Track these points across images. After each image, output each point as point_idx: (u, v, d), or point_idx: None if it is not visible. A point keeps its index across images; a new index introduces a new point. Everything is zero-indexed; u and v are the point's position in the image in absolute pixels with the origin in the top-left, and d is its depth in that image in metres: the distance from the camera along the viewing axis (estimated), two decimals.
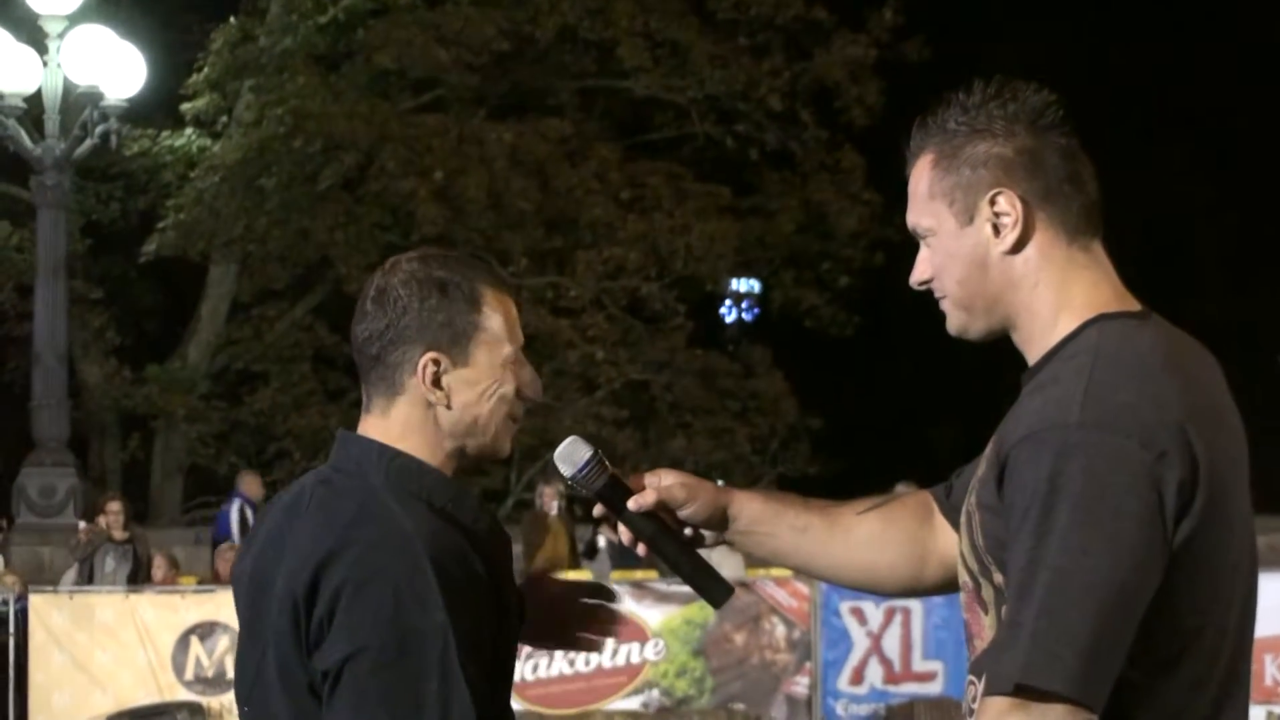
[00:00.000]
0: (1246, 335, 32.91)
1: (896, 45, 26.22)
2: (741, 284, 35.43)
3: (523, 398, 2.97)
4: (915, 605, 14.29)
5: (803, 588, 14.47)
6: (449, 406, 2.90)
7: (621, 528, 3.10)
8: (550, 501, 17.54)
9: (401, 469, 2.87)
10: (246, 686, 2.91)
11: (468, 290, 2.91)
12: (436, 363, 2.88)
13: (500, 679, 2.87)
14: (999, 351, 2.88)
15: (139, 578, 15.97)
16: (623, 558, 16.10)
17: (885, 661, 14.49)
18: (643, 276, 25.91)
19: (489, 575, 2.83)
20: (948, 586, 3.07)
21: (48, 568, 17.81)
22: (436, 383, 2.89)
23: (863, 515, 3.16)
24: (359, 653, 2.71)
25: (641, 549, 3.11)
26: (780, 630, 14.63)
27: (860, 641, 14.53)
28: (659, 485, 3.08)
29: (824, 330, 27.29)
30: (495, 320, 2.93)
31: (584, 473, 3.04)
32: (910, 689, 14.41)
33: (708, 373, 26.50)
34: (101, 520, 16.31)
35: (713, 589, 3.10)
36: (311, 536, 2.81)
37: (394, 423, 2.92)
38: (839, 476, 24.53)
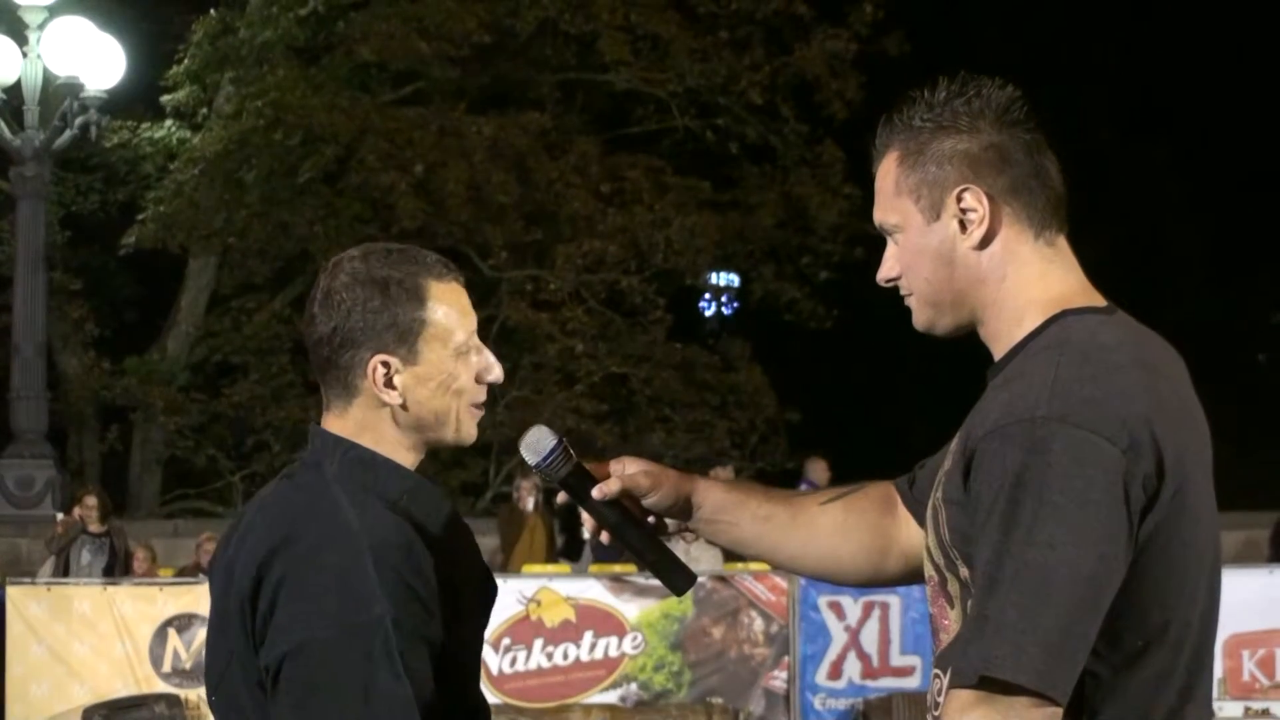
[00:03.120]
0: (1228, 334, 33.00)
1: (876, 39, 26.19)
2: (721, 278, 35.44)
3: (482, 383, 2.97)
4: (894, 600, 14.31)
5: (781, 582, 14.48)
6: (404, 406, 2.90)
7: (585, 516, 3.12)
8: (527, 496, 17.54)
9: (354, 461, 2.88)
10: (216, 676, 2.93)
11: (410, 286, 2.90)
12: (386, 365, 2.88)
13: (458, 673, 2.87)
14: (977, 345, 2.89)
15: (115, 570, 15.95)
16: (603, 550, 16.10)
17: (863, 656, 14.50)
18: (622, 270, 25.87)
19: (443, 569, 2.83)
20: (909, 577, 3.10)
21: (25, 559, 17.80)
22: (389, 384, 2.88)
23: (825, 505, 3.18)
24: (298, 648, 2.71)
25: (605, 537, 3.14)
26: (758, 624, 14.63)
27: (838, 636, 14.53)
28: (623, 474, 3.10)
29: (803, 324, 27.26)
30: (441, 312, 2.92)
31: (548, 461, 3.06)
32: (888, 683, 14.42)
33: (687, 366, 26.47)
34: (77, 513, 16.29)
35: (676, 577, 3.13)
36: (261, 532, 2.82)
37: (350, 421, 2.92)
38: None
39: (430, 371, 2.90)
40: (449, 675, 2.80)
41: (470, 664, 2.94)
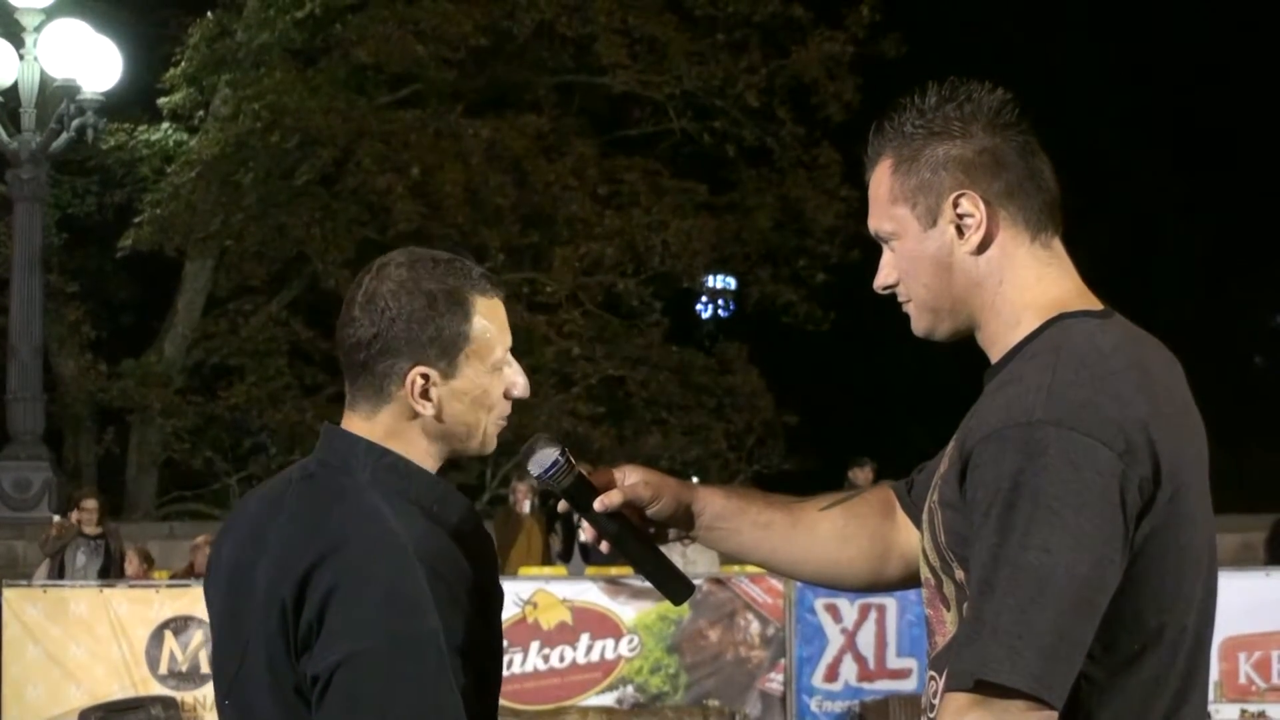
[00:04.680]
0: (1226, 336, 33.02)
1: (873, 42, 26.19)
2: (717, 280, 35.43)
3: (508, 398, 2.97)
4: (890, 602, 14.30)
5: (777, 584, 14.46)
6: (439, 418, 2.88)
7: (586, 525, 3.12)
8: (524, 499, 17.52)
9: (389, 468, 2.85)
10: (227, 682, 2.89)
11: (457, 300, 2.88)
12: (425, 377, 2.86)
13: (482, 682, 2.85)
14: (974, 348, 2.89)
15: (110, 573, 15.94)
16: (596, 552, 16.06)
17: (860, 658, 14.50)
18: (619, 272, 25.87)
19: (476, 577, 2.82)
20: (909, 581, 3.10)
21: (21, 561, 17.79)
22: (425, 395, 2.87)
23: (825, 511, 3.18)
24: (350, 658, 2.67)
25: (605, 546, 3.14)
26: (755, 627, 14.62)
27: (835, 638, 14.53)
28: (624, 484, 3.11)
29: (800, 326, 27.26)
30: (484, 326, 2.91)
31: (550, 472, 3.05)
32: (885, 686, 14.41)
33: (684, 369, 26.45)
34: (75, 516, 16.27)
35: (674, 587, 3.13)
36: (300, 536, 2.77)
37: (379, 425, 2.89)
38: (815, 473, 24.54)
39: (467, 387, 2.89)
40: (476, 684, 2.80)
41: (493, 673, 2.93)
